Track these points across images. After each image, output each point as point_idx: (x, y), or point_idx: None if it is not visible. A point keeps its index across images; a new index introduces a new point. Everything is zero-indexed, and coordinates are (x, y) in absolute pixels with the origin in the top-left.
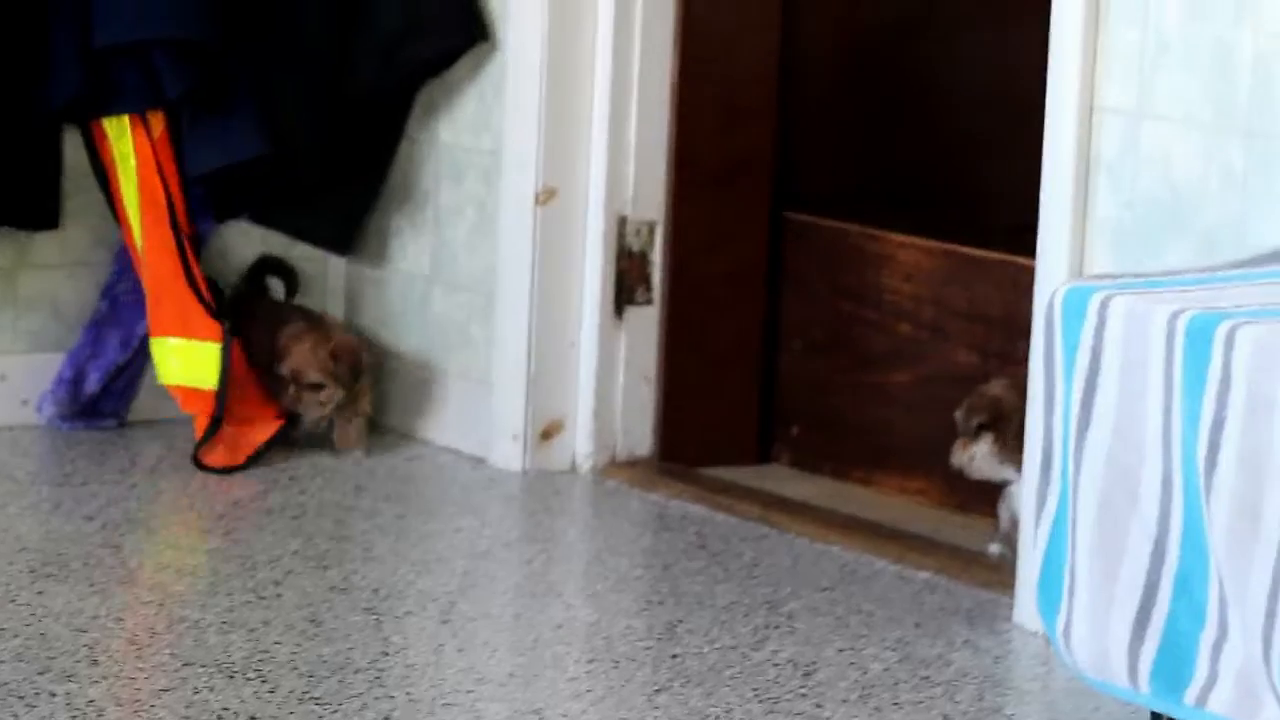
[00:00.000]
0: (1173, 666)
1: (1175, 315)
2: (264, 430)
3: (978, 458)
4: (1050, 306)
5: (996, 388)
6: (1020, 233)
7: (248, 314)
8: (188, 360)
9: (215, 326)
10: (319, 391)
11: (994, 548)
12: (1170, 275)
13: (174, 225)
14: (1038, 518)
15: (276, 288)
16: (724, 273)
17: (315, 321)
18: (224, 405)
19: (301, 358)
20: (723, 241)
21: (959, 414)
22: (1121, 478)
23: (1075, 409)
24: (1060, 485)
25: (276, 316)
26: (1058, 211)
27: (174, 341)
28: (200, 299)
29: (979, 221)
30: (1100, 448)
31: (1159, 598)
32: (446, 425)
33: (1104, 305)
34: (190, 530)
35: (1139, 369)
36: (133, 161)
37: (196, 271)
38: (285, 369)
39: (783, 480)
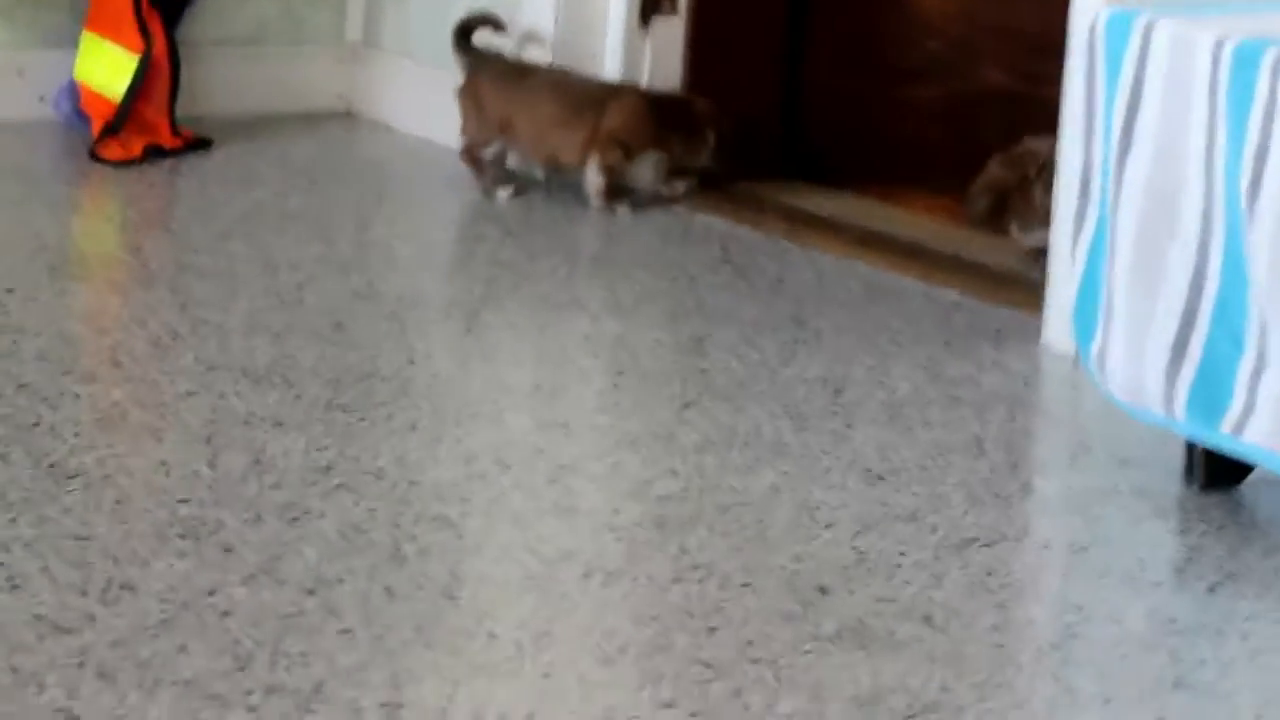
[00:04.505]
0: (1209, 394)
1: (1221, 41)
2: (163, 139)
3: (1016, 238)
4: (1092, 31)
5: (993, 167)
6: None
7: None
8: (109, 65)
9: (140, 40)
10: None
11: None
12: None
13: None
14: (1075, 240)
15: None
16: None
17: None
18: (124, 116)
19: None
20: None
21: (968, 201)
22: (1161, 203)
23: (1116, 134)
24: (1099, 209)
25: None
26: None
27: (102, 43)
28: (137, 10)
29: None
30: (1140, 173)
31: (1197, 324)
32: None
33: (1147, 30)
34: (211, 232)
35: (1182, 95)
36: None
37: None
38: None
39: (806, 195)
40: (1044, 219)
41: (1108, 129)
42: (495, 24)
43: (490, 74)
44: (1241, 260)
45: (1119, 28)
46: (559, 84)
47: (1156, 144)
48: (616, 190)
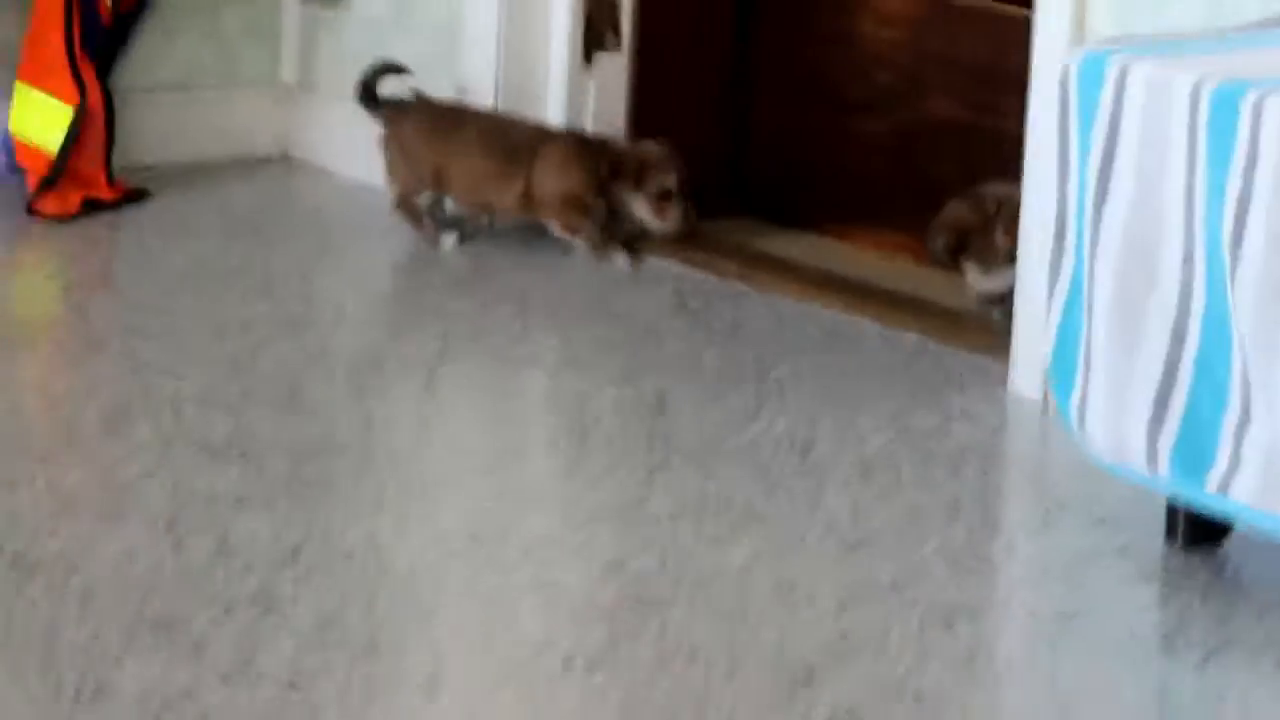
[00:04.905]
0: (1193, 451)
1: (1199, 84)
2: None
3: (972, 282)
4: (1064, 75)
5: (954, 208)
6: None
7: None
8: (42, 116)
9: (74, 90)
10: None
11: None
12: (1188, 38)
13: None
14: (1050, 291)
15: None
16: (695, 19)
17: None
18: (60, 170)
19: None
20: None
21: (927, 240)
22: (1140, 253)
23: (1092, 180)
24: (1075, 258)
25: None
26: None
27: (35, 94)
28: (70, 60)
29: None
30: (1118, 221)
31: (1179, 378)
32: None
33: (1122, 74)
34: (156, 290)
35: (1160, 141)
36: None
37: (76, 30)
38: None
39: (755, 234)
40: (1004, 260)
41: (1082, 176)
42: (396, 70)
43: (416, 122)
44: (1224, 311)
45: (1092, 71)
46: (491, 131)
47: (1134, 192)
48: (605, 239)
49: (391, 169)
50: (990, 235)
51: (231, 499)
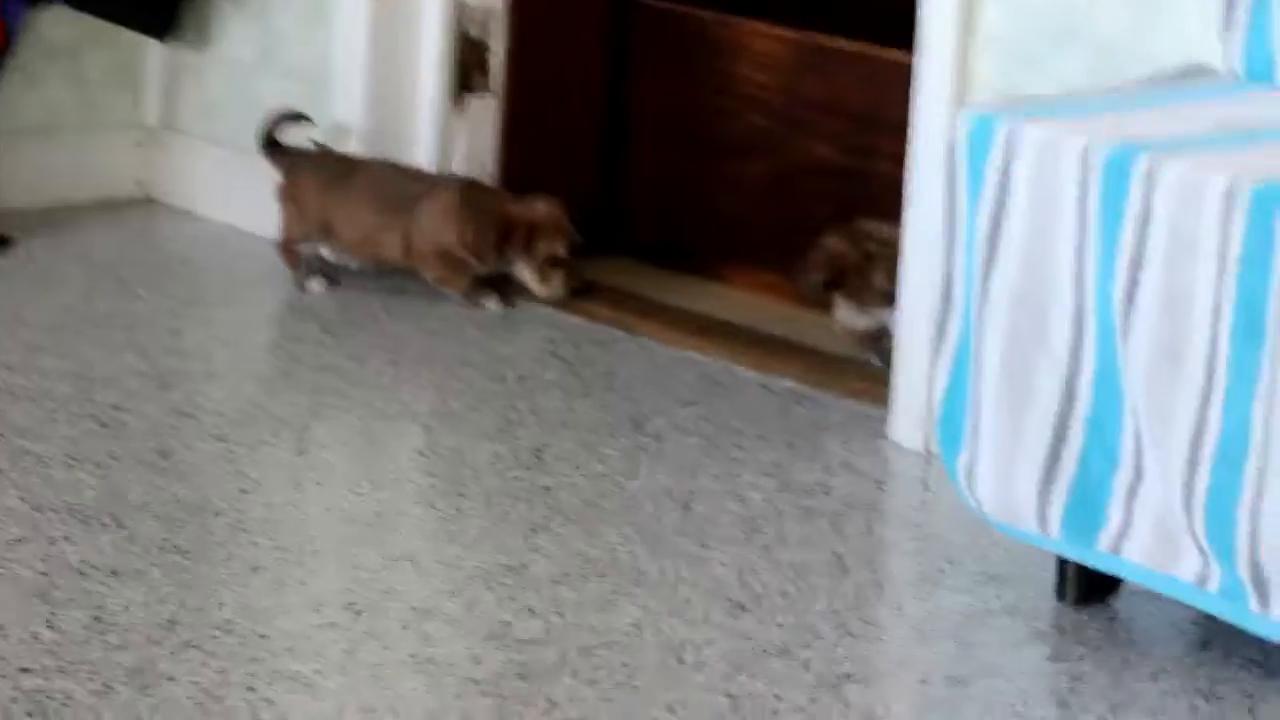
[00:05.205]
0: (1085, 511)
1: (1089, 148)
2: None
3: (843, 319)
4: (953, 135)
5: (833, 242)
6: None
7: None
8: None
9: None
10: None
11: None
12: (1075, 98)
13: None
14: (937, 350)
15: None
16: (566, 62)
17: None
18: None
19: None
20: (565, 28)
21: (800, 275)
22: (1030, 314)
23: (981, 242)
24: (962, 319)
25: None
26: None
27: None
28: None
29: (840, 10)
30: (1007, 283)
31: (1069, 439)
32: (274, 221)
33: (1011, 136)
34: (20, 344)
35: (1050, 203)
36: None
37: None
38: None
39: (629, 275)
40: (881, 301)
41: (970, 237)
42: (299, 118)
43: (310, 172)
44: (1115, 372)
45: (981, 133)
46: (378, 181)
47: (1023, 254)
48: (475, 287)
49: (285, 215)
50: (868, 275)
51: (105, 569)
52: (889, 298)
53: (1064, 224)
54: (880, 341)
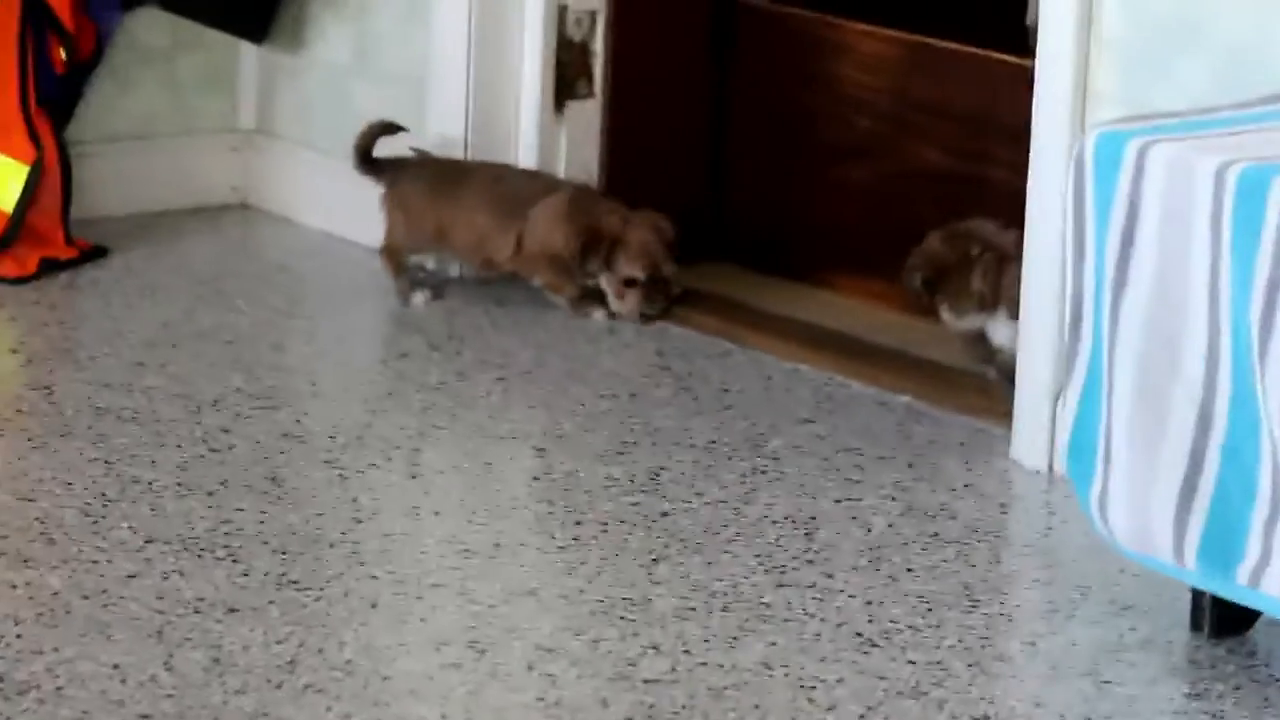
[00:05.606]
0: (1222, 543)
1: (1224, 166)
2: (58, 250)
3: (947, 321)
4: (1080, 154)
5: (932, 243)
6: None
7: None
8: None
9: (30, 148)
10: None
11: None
12: (1205, 115)
13: (23, 32)
14: (1068, 377)
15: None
16: (669, 64)
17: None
18: (17, 230)
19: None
20: (668, 30)
21: (904, 276)
22: (1162, 339)
23: (1110, 266)
24: (1092, 344)
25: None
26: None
27: None
28: (25, 116)
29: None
30: (1138, 307)
31: (1205, 468)
32: (372, 227)
33: (1142, 155)
34: (122, 363)
35: (1182, 224)
36: None
37: (30, 85)
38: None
39: (732, 282)
40: (979, 304)
41: (1100, 261)
42: (392, 129)
43: (416, 179)
44: (1252, 401)
45: (1110, 151)
46: (491, 183)
47: (1155, 276)
48: (583, 296)
49: (391, 223)
50: (966, 277)
51: (221, 606)
52: (986, 301)
53: (1197, 245)
54: (992, 352)
